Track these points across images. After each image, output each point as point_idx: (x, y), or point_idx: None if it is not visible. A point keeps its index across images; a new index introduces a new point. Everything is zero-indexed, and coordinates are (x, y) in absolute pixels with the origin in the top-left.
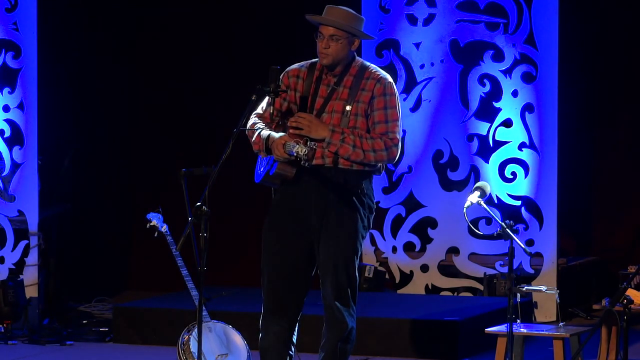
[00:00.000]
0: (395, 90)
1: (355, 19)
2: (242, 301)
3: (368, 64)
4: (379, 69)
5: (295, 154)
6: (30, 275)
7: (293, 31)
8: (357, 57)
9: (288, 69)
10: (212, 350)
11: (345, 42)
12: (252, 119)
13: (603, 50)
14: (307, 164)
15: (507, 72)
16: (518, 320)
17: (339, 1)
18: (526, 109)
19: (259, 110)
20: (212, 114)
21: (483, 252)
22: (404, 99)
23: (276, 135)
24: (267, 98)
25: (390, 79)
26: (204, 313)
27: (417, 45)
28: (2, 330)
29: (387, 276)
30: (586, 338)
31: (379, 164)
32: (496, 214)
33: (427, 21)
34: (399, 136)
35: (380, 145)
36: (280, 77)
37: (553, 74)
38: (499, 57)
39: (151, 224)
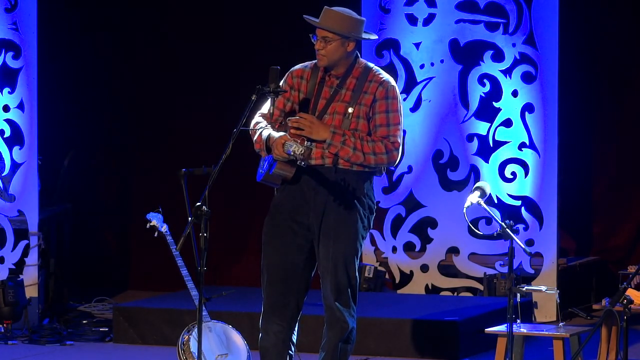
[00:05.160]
0: (398, 93)
1: (349, 21)
2: (242, 301)
3: (372, 65)
4: (382, 71)
5: (292, 153)
6: (30, 275)
7: (294, 30)
8: (361, 59)
9: (292, 69)
10: (212, 350)
11: (337, 44)
12: (256, 119)
13: (603, 49)
14: (303, 163)
15: (507, 72)
16: (518, 320)
17: (340, 1)
18: (526, 109)
19: (264, 110)
20: (212, 113)
21: (483, 252)
22: (404, 99)
23: (276, 135)
24: (270, 98)
25: (393, 82)
26: (204, 313)
27: (417, 45)
28: (2, 330)
29: (387, 276)
30: (586, 338)
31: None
32: (496, 214)
33: (427, 21)
34: (400, 140)
35: (380, 149)
36: (285, 77)
37: (553, 74)
38: (499, 57)
39: (151, 224)
